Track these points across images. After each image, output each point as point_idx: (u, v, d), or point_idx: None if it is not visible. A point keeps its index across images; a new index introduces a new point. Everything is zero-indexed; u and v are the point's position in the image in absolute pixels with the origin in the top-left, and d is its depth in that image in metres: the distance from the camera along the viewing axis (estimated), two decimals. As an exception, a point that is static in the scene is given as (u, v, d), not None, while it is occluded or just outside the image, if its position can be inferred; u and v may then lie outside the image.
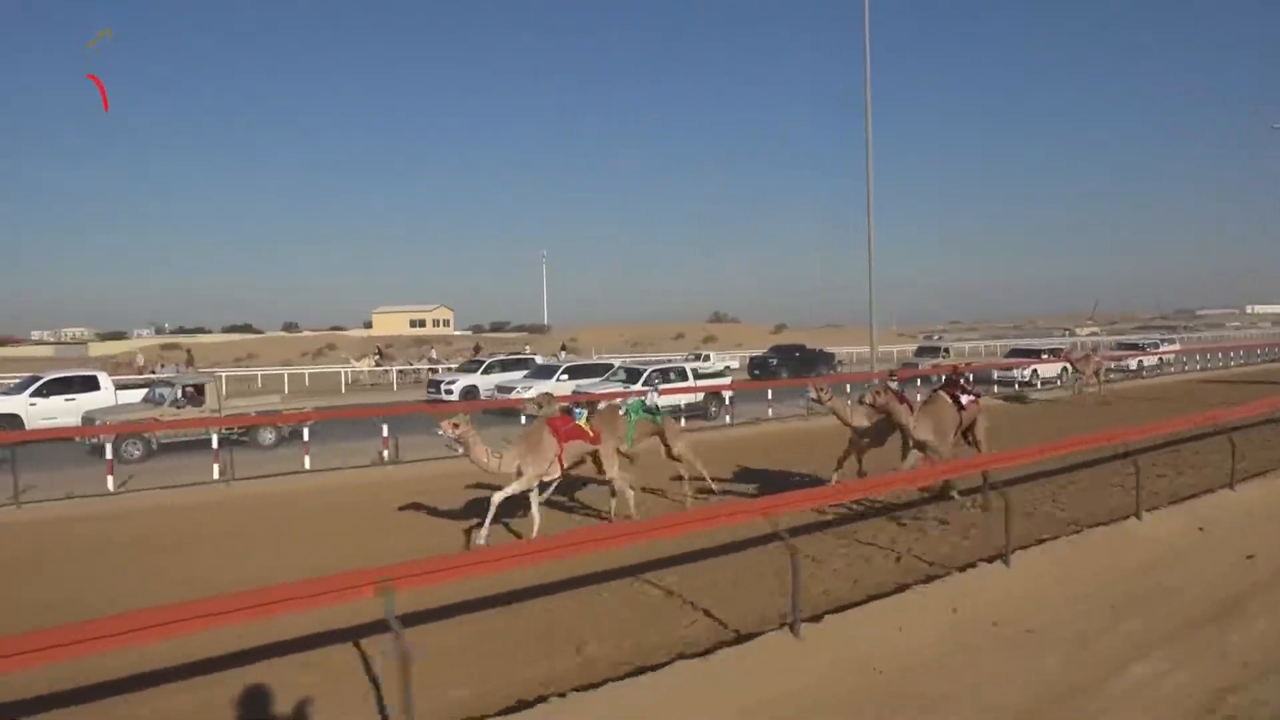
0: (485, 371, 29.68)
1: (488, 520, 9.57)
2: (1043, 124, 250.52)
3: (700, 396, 23.63)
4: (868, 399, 10.99)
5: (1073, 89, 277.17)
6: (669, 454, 11.90)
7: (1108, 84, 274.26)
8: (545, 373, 26.45)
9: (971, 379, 12.26)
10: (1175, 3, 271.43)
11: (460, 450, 9.47)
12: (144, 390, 20.27)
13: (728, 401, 23.43)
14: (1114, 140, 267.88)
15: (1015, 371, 32.43)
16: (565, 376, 25.39)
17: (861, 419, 11.75)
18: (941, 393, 11.35)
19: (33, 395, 20.30)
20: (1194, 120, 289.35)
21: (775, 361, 38.01)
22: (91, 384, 21.00)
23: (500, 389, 26.11)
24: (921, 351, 44.00)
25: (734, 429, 21.03)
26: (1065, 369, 31.50)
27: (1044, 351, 35.26)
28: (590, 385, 23.54)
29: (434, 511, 11.60)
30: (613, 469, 10.79)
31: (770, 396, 23.55)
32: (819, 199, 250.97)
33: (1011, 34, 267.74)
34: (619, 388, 21.48)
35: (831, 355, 41.25)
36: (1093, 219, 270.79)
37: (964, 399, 11.29)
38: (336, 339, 79.64)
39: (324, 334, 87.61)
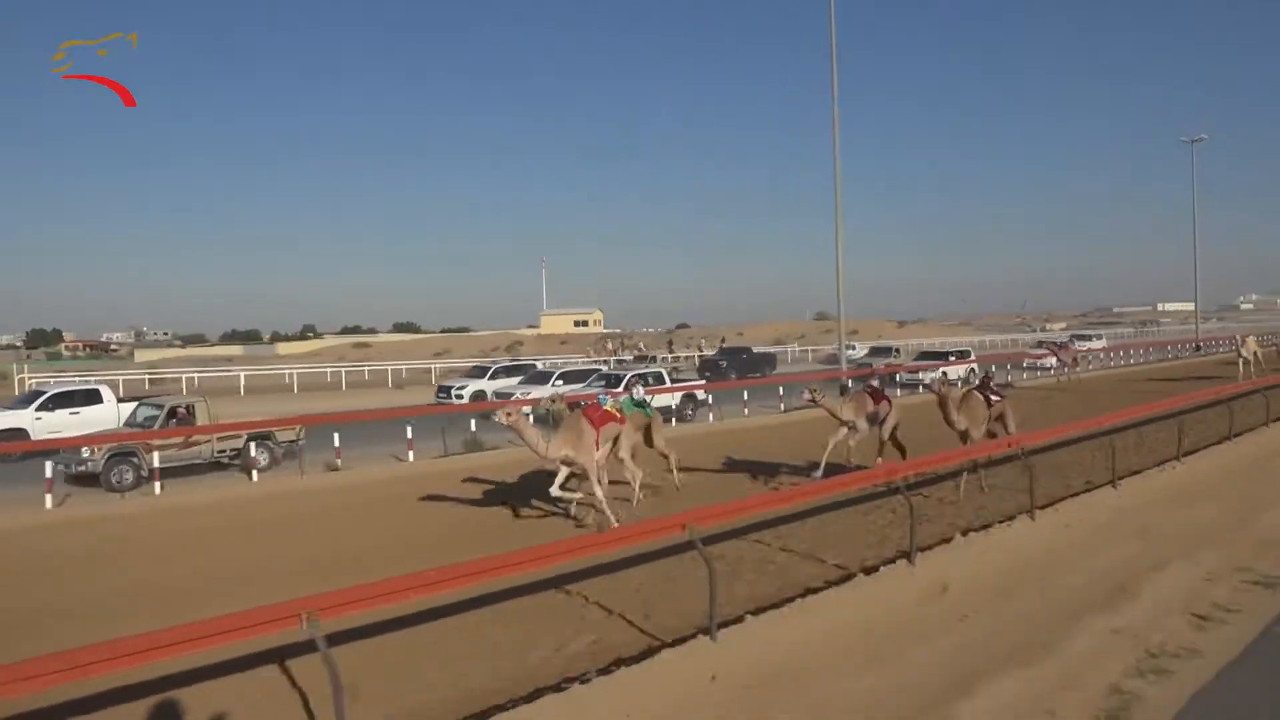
0: (492, 377, 29.60)
1: (605, 510, 10.41)
2: (966, 122, 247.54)
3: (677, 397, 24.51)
4: (935, 387, 13.04)
5: (995, 88, 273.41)
6: (650, 444, 12.77)
7: (1031, 85, 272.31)
8: (541, 378, 26.47)
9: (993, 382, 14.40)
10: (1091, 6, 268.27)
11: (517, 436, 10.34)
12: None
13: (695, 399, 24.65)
14: (1033, 141, 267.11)
15: (922, 374, 32.11)
16: (560, 381, 25.40)
17: (850, 413, 13.27)
18: (975, 391, 13.23)
19: (38, 409, 19.82)
20: (1107, 123, 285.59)
21: (725, 363, 39.39)
22: (95, 398, 20.45)
23: (498, 395, 26.04)
24: (874, 352, 44.38)
25: (708, 425, 21.86)
26: (972, 370, 33.40)
27: (951, 354, 36.27)
28: (569, 389, 23.45)
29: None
30: (626, 451, 11.74)
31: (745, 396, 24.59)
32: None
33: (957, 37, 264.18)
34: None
35: (774, 356, 44.04)
36: (1017, 219, 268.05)
37: (992, 398, 13.09)
38: (522, 336, 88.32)
39: (503, 333, 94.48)
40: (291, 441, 16.92)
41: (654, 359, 44.54)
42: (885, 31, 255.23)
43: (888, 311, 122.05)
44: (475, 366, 33.87)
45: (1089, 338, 50.34)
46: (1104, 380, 33.39)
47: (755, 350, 44.84)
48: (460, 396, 28.16)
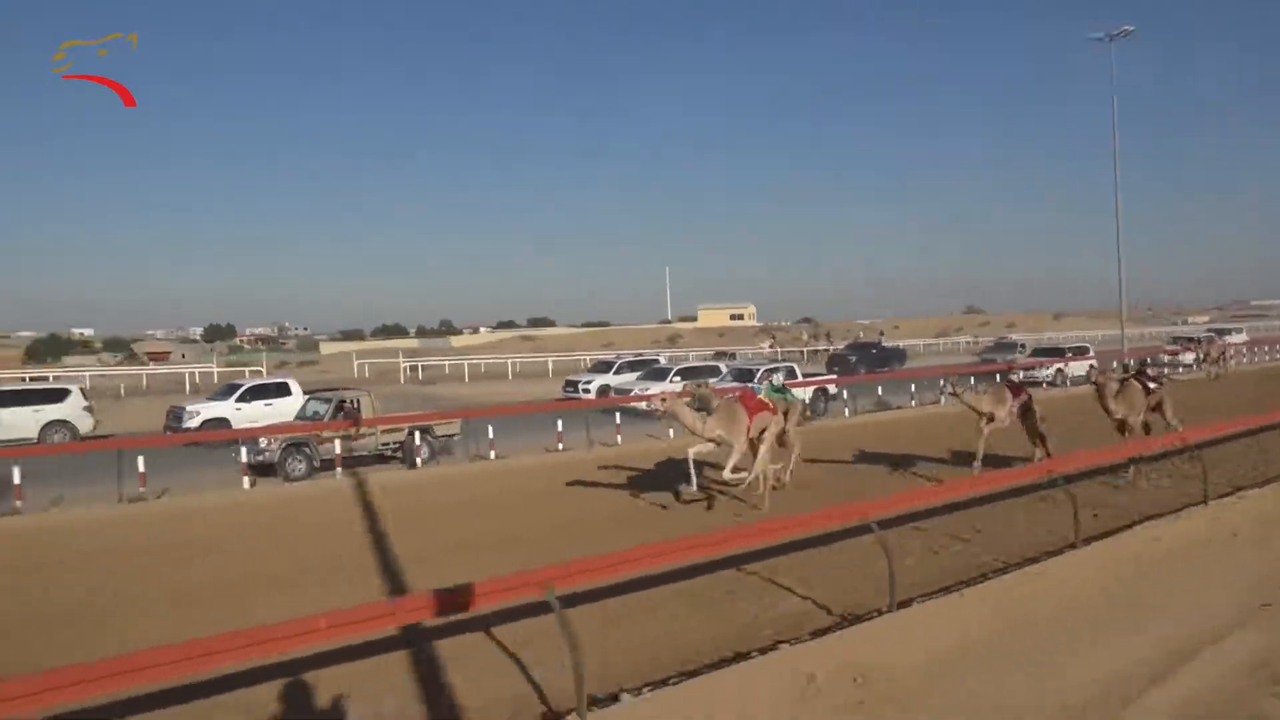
0: (617, 372, 31.32)
1: (762, 485, 11.48)
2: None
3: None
4: (1098, 380, 13.54)
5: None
6: (785, 433, 13.01)
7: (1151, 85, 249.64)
8: (659, 374, 27.79)
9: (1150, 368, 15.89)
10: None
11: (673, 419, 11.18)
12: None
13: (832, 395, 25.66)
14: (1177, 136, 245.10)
15: (1039, 370, 32.00)
16: (678, 377, 26.36)
17: (988, 405, 13.65)
18: (1133, 379, 13.68)
19: (237, 401, 21.96)
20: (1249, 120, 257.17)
21: (854, 359, 39.71)
22: (285, 390, 22.64)
23: (617, 391, 27.61)
24: (998, 347, 43.49)
25: (841, 420, 22.48)
26: (1091, 366, 31.93)
27: (1069, 350, 35.36)
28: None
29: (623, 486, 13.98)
30: (766, 446, 12.10)
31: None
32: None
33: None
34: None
35: (903, 351, 43.86)
36: (1152, 211, 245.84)
37: (1150, 384, 13.63)
38: (681, 330, 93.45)
39: (661, 327, 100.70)
40: (450, 436, 18.25)
41: (733, 355, 45.51)
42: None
43: (1041, 303, 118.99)
44: (599, 361, 35.61)
45: (1229, 331, 48.62)
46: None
47: (886, 344, 45.56)
48: (587, 391, 29.70)
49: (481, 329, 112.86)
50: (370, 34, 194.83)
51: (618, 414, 19.47)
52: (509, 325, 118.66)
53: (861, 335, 62.74)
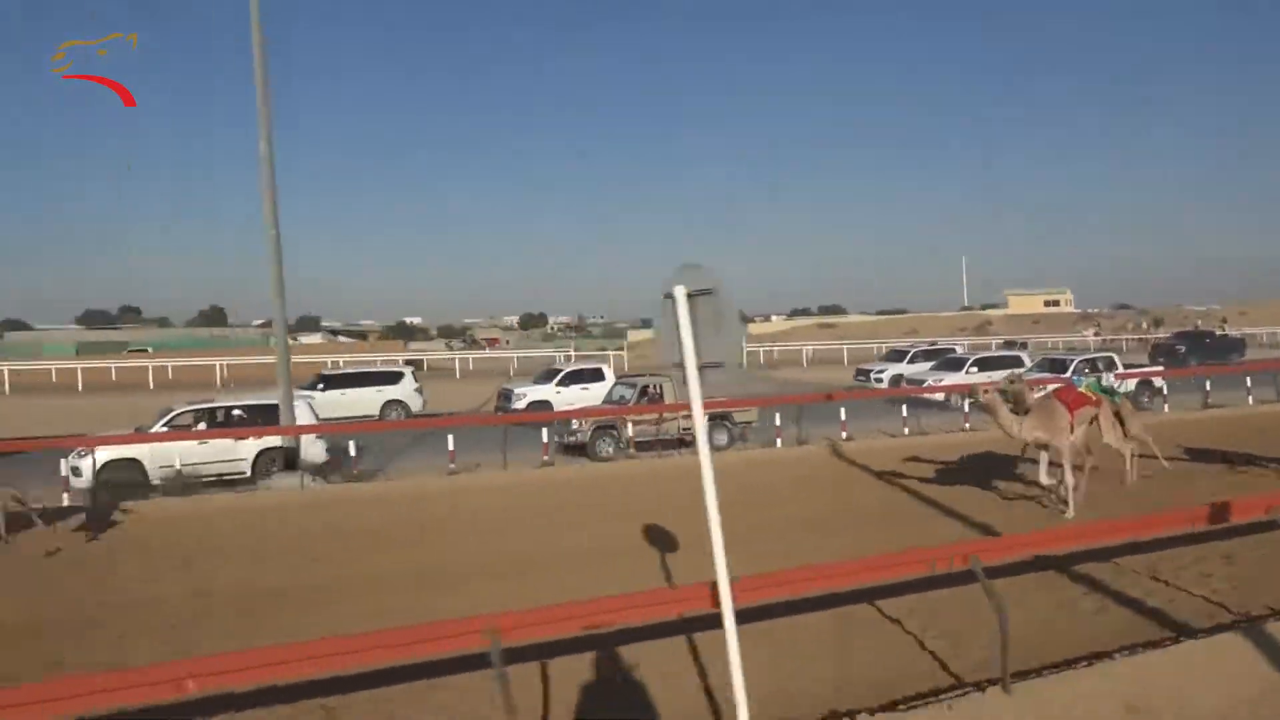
0: (911, 361, 30.43)
1: (1070, 498, 10.53)
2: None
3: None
4: None
5: None
6: (1125, 433, 12.08)
7: None
8: (955, 364, 26.80)
9: None
10: None
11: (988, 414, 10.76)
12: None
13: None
14: None
15: None
16: (975, 368, 25.46)
17: None
18: None
19: (558, 385, 23.60)
20: None
21: (1183, 349, 35.69)
22: (599, 375, 24.03)
23: (909, 381, 26.78)
24: None
25: (1168, 416, 20.38)
26: None
27: None
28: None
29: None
30: (1110, 436, 11.68)
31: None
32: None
33: None
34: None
35: (1242, 341, 38.79)
36: None
37: None
38: (990, 316, 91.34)
39: (968, 313, 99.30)
40: (748, 423, 18.40)
41: (1024, 344, 42.09)
42: None
43: None
44: (892, 350, 34.85)
45: None
46: None
47: (1229, 332, 41.66)
48: (880, 380, 29.27)
49: (774, 316, 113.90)
50: (371, 34, 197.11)
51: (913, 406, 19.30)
52: (802, 313, 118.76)
53: (1200, 323, 56.11)
